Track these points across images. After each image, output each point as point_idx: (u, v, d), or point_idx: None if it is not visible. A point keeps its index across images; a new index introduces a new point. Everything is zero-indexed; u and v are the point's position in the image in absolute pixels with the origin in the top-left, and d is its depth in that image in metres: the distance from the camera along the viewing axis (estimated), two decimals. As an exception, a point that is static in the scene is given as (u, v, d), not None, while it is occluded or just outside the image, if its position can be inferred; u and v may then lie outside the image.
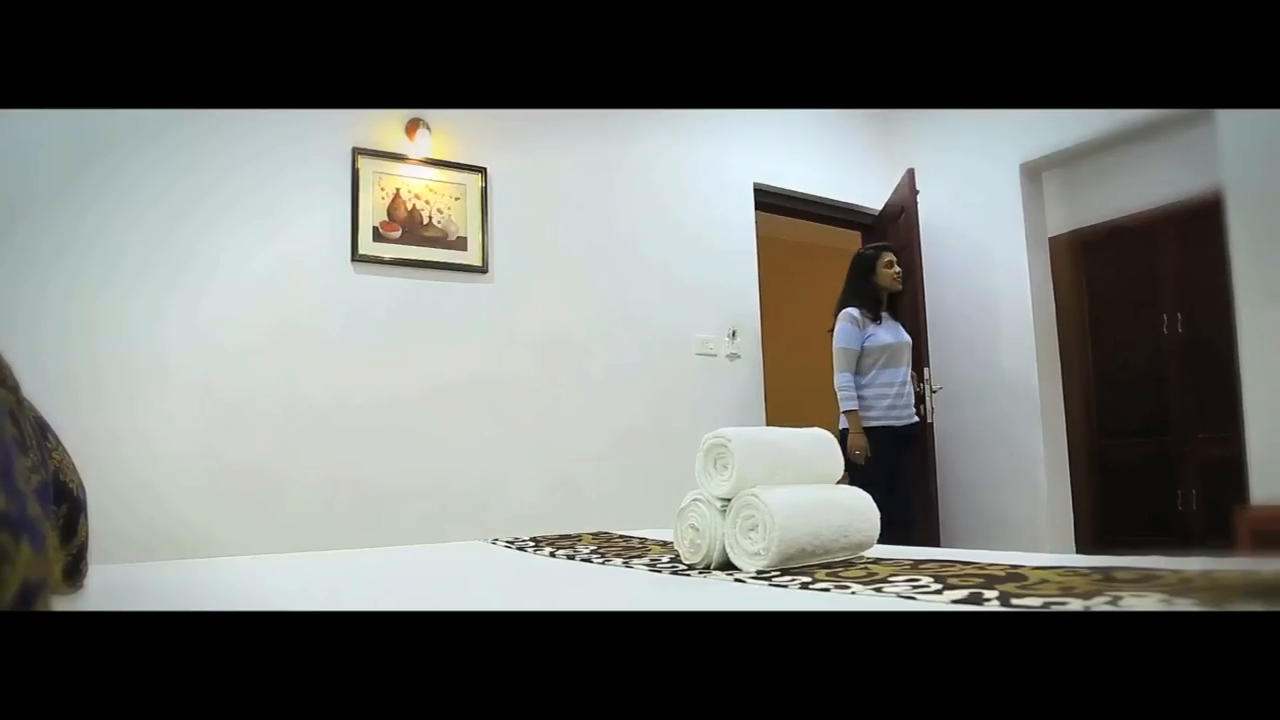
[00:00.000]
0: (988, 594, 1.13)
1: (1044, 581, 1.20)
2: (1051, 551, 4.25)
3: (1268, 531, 3.01)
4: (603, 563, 1.84)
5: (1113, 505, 5.45)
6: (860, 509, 1.65)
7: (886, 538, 3.15)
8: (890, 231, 4.66)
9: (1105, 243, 5.39)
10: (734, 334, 4.20)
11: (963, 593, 1.15)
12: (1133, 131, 4.14)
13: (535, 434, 3.62)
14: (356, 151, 3.37)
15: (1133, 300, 5.26)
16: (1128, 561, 1.35)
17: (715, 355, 4.15)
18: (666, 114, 4.13)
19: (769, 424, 6.02)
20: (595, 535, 2.51)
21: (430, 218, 3.52)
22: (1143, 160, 5.19)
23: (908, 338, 3.92)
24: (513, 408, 3.59)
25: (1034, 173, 4.50)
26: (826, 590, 1.27)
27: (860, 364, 3.81)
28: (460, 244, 3.57)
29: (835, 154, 4.85)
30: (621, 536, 2.43)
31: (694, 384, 4.06)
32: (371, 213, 3.39)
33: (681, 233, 4.11)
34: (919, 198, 4.44)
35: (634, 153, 4.03)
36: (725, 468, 1.63)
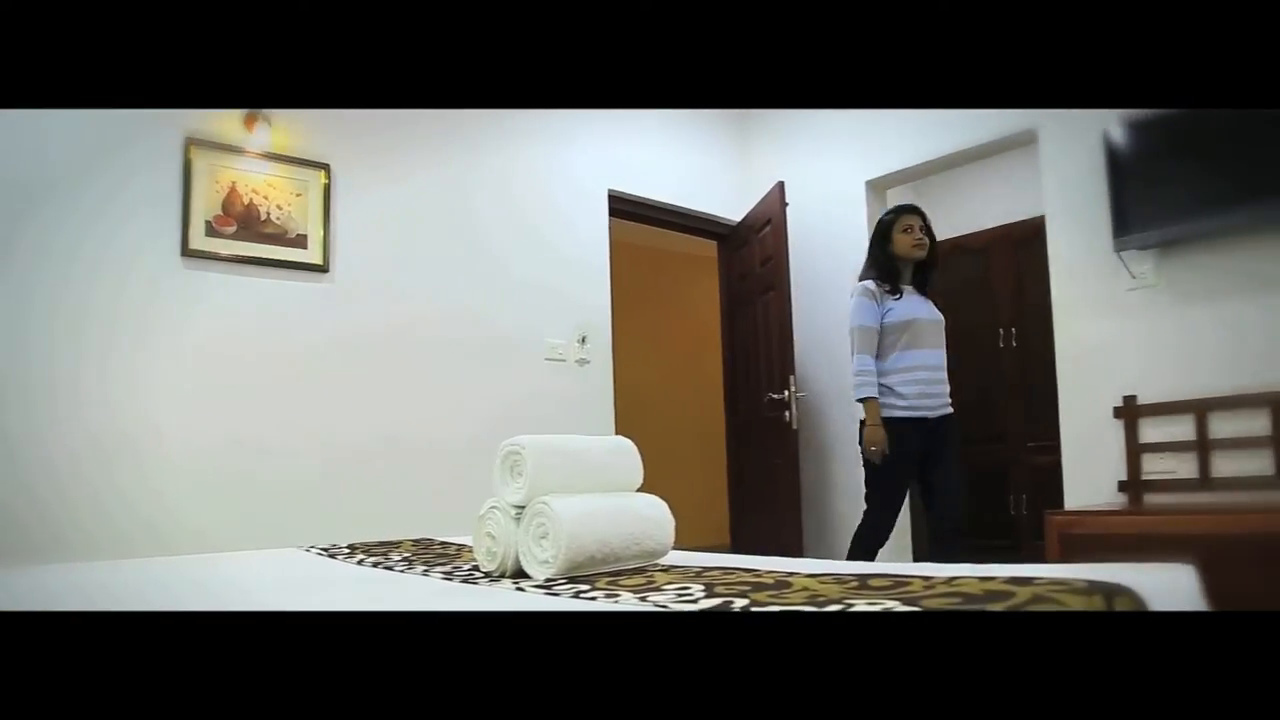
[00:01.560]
0: (740, 602, 1.16)
1: (802, 589, 1.24)
2: (894, 558, 4.42)
3: (1072, 535, 3.18)
4: (405, 570, 1.82)
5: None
6: (654, 517, 1.67)
7: (932, 552, 3.10)
8: (752, 242, 4.76)
9: (948, 260, 5.61)
10: (584, 339, 4.21)
11: (717, 600, 1.18)
12: (968, 154, 4.33)
13: (375, 438, 3.55)
14: (190, 142, 3.24)
15: (972, 315, 5.49)
16: (899, 569, 1.41)
17: (564, 360, 4.16)
18: (520, 115, 4.12)
19: (619, 430, 6.07)
20: (417, 542, 2.48)
21: (269, 214, 3.41)
22: (982, 182, 5.45)
23: (938, 314, 3.46)
24: (352, 410, 3.51)
25: (879, 190, 4.67)
26: (594, 598, 1.29)
27: (880, 345, 3.35)
28: (300, 242, 3.48)
29: (693, 165, 4.91)
30: (442, 543, 2.41)
31: (541, 389, 4.05)
32: (205, 207, 3.27)
33: (533, 237, 4.11)
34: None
35: (487, 154, 4.01)
36: (520, 475, 1.63)
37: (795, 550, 4.24)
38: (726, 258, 5.11)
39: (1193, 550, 2.99)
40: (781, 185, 4.42)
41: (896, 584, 1.20)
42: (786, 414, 4.27)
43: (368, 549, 2.29)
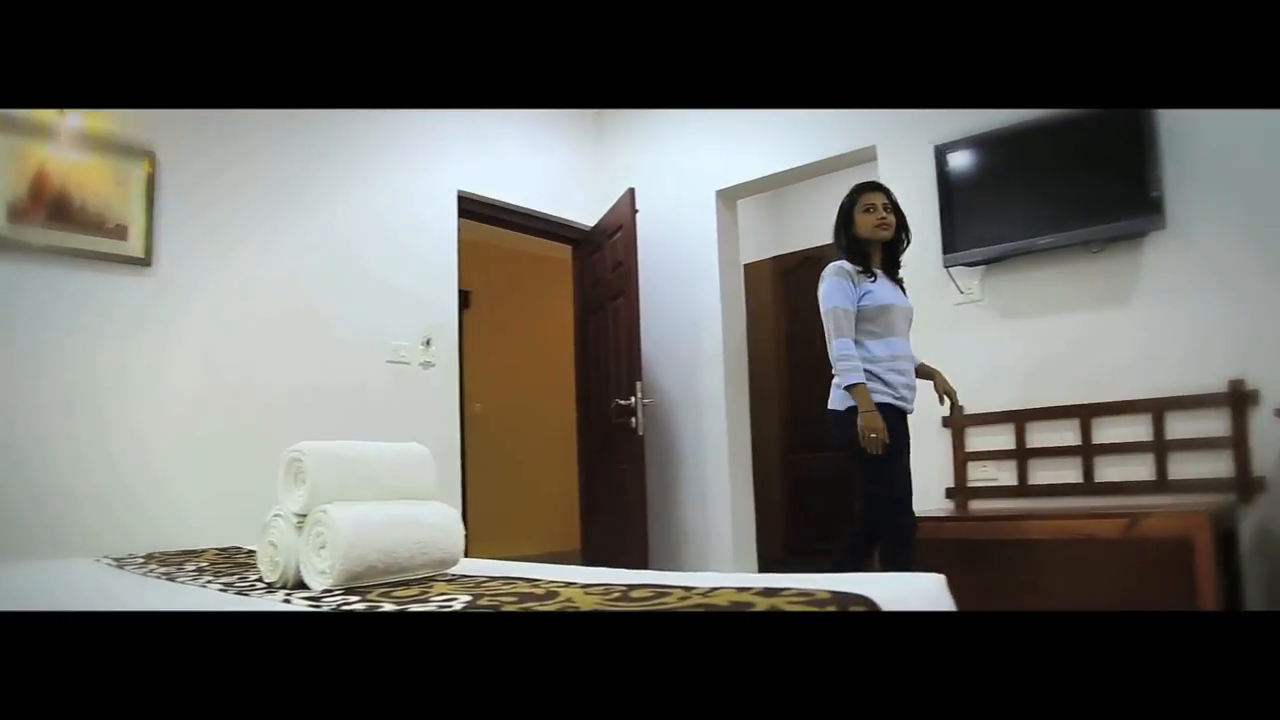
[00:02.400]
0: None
1: (566, 600, 1.22)
2: (732, 561, 4.49)
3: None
4: (188, 581, 1.73)
5: (804, 516, 5.82)
6: (442, 525, 1.64)
7: (891, 561, 2.91)
8: (604, 247, 4.76)
9: (799, 270, 5.76)
10: (428, 342, 4.13)
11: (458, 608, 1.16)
12: (814, 168, 4.44)
13: (201, 443, 3.38)
14: (-9, 121, 3.03)
15: (821, 326, 5.63)
16: (667, 579, 1.41)
17: (408, 363, 4.06)
18: (366, 111, 4.01)
19: (469, 435, 5.97)
20: (222, 550, 2.37)
21: (83, 201, 3.22)
22: (836, 195, 5.58)
23: (909, 301, 3.24)
24: (174, 413, 3.33)
25: (729, 200, 4.73)
26: (352, 610, 1.24)
27: (861, 330, 3.09)
28: (119, 232, 3.29)
29: (547, 169, 4.89)
30: (249, 552, 2.31)
31: (382, 392, 3.95)
32: (8, 191, 3.06)
33: (376, 235, 3.99)
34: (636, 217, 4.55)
35: (329, 146, 3.88)
36: (302, 482, 1.57)
37: (640, 556, 4.25)
38: (580, 263, 5.11)
39: (1006, 553, 3.13)
40: (632, 192, 4.43)
41: (657, 594, 1.19)
42: (633, 420, 4.28)
43: (165, 558, 2.18)
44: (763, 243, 6.03)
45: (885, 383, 3.03)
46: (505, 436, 6.72)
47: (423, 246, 4.19)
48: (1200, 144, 3.30)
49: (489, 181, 4.54)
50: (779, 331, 5.88)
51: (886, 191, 3.23)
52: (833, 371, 3.09)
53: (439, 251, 4.26)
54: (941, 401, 3.27)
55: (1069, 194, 3.49)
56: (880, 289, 3.10)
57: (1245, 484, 3.22)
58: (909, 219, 3.99)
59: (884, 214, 3.15)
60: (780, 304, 5.88)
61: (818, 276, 5.64)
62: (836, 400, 3.10)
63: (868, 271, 3.12)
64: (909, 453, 3.09)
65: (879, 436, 2.89)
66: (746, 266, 5.90)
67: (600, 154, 5.18)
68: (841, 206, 3.25)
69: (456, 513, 1.68)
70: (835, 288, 3.10)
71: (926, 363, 3.32)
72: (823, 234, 5.68)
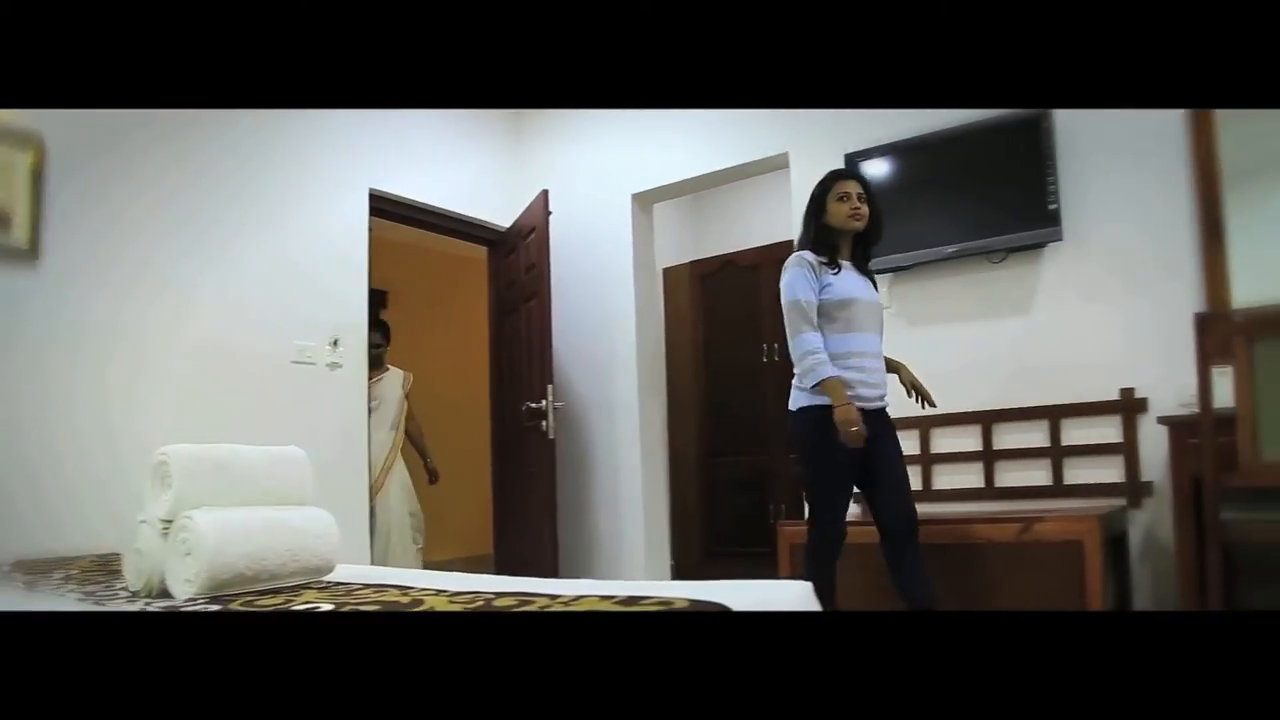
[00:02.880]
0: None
1: (428, 607, 1.20)
2: (645, 566, 4.48)
3: (799, 544, 3.31)
4: (51, 590, 1.66)
5: (719, 519, 5.84)
6: (316, 531, 1.59)
7: (890, 557, 2.88)
8: (519, 249, 4.72)
9: (718, 275, 5.79)
10: (336, 342, 4.04)
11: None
12: (729, 173, 4.46)
13: (92, 446, 3.24)
14: None
15: (739, 329, 5.68)
16: (535, 586, 1.39)
17: (314, 364, 3.97)
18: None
19: (375, 436, 5.85)
20: (101, 558, 2.29)
21: (-36, 191, 3.08)
22: (755, 200, 5.64)
23: (877, 295, 3.07)
24: (61, 415, 3.19)
25: (645, 203, 4.73)
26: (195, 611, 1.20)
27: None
28: (2, 222, 3.15)
29: (464, 169, 4.82)
30: (127, 557, 2.23)
31: (286, 393, 3.84)
32: (-120, 179, 2.91)
33: (282, 233, 3.88)
34: (551, 219, 4.51)
35: (236, 140, 3.76)
36: (168, 487, 1.51)
37: (551, 562, 4.22)
38: (496, 264, 5.06)
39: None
40: (545, 193, 4.40)
41: (521, 602, 1.17)
42: (544, 423, 4.25)
43: (31, 566, 2.09)
44: (683, 246, 6.05)
45: (850, 382, 2.83)
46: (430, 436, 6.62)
47: (331, 245, 4.09)
48: (1094, 159, 3.40)
49: (403, 180, 4.46)
50: (697, 336, 5.90)
51: (862, 180, 3.06)
52: (794, 370, 2.93)
53: (348, 250, 4.17)
54: (910, 395, 3.13)
55: (973, 204, 3.57)
56: (844, 282, 2.93)
57: (1135, 489, 3.32)
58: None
59: (858, 204, 2.97)
60: (699, 308, 5.90)
61: (736, 281, 5.77)
62: (793, 400, 2.94)
63: (832, 263, 2.94)
64: (890, 453, 2.94)
65: (859, 429, 2.70)
66: (665, 271, 5.92)
67: (517, 155, 5.14)
68: (813, 194, 3.06)
69: (331, 518, 1.64)
70: (796, 279, 2.91)
71: (891, 357, 3.16)
72: (741, 239, 5.77)
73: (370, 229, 4.29)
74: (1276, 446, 2.53)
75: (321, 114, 4.10)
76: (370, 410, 4.60)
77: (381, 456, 4.72)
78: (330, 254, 4.08)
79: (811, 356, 2.82)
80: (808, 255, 2.94)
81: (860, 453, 2.81)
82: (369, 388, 4.52)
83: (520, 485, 4.64)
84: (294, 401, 3.86)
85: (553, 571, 4.24)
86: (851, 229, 2.99)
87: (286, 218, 3.92)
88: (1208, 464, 2.60)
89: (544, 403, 4.27)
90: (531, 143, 5.11)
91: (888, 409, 3.00)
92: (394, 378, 4.99)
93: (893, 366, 3.15)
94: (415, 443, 5.09)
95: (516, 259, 4.72)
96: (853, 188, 2.99)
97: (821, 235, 3.00)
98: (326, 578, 1.64)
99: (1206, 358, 2.62)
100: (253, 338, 3.74)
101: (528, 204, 4.68)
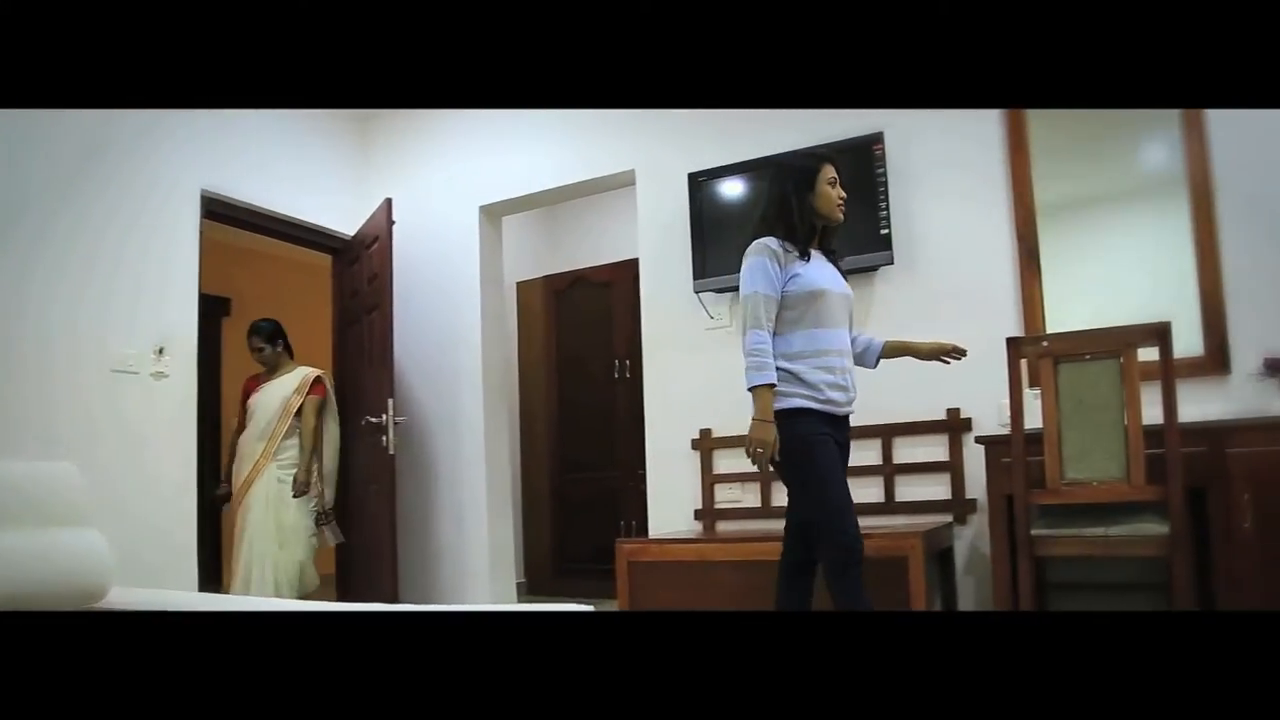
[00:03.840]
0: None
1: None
2: (490, 585, 4.40)
3: (639, 562, 3.30)
4: None
5: (571, 536, 5.79)
6: (84, 553, 1.48)
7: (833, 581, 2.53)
8: (363, 259, 4.58)
9: (571, 290, 5.77)
10: (161, 350, 3.81)
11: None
12: (578, 188, 4.45)
13: None
14: None
15: (592, 346, 5.67)
16: (328, 609, 1.32)
17: (137, 373, 3.73)
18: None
19: (207, 451, 5.60)
20: None
21: None
22: (609, 215, 5.64)
23: (848, 288, 2.75)
24: None
25: (493, 216, 4.67)
26: None
27: (780, 318, 2.58)
28: None
29: (308, 174, 4.65)
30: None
31: (105, 405, 3.60)
32: None
33: (102, 233, 3.62)
34: (395, 228, 4.39)
35: (52, 132, 3.51)
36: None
37: (389, 580, 4.09)
38: (339, 273, 4.90)
39: (741, 574, 3.19)
40: (389, 202, 4.29)
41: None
42: (384, 438, 4.13)
43: None
44: (538, 260, 6.00)
45: (805, 382, 2.54)
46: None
47: (158, 248, 3.86)
48: (923, 187, 3.54)
49: (240, 183, 4.25)
50: (550, 352, 5.86)
51: (839, 169, 2.74)
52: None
53: (177, 253, 3.94)
54: (943, 360, 2.88)
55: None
56: (813, 271, 2.61)
57: (960, 505, 3.44)
58: (663, 242, 4.08)
59: (843, 193, 2.70)
60: (552, 324, 5.86)
61: (589, 297, 5.76)
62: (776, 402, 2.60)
63: (803, 253, 2.63)
64: (845, 462, 2.69)
65: (765, 452, 2.48)
66: (519, 284, 5.87)
67: (364, 162, 4.98)
68: (797, 170, 2.69)
69: (101, 540, 1.52)
70: (757, 269, 2.58)
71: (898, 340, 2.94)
72: (594, 254, 5.76)
73: (203, 232, 4.07)
74: (1080, 466, 2.67)
75: (150, 110, 3.87)
76: (246, 423, 4.41)
77: (243, 470, 4.32)
78: (156, 257, 3.85)
79: (753, 357, 2.54)
80: (772, 243, 2.60)
81: (838, 461, 2.58)
82: (251, 398, 4.42)
83: (360, 501, 4.49)
84: (113, 413, 3.62)
85: (393, 590, 4.11)
86: (836, 220, 2.70)
87: (108, 218, 3.68)
88: (1018, 482, 2.71)
89: (384, 417, 4.14)
90: (379, 150, 4.97)
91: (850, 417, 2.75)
92: (281, 384, 4.42)
93: (900, 349, 2.93)
94: (302, 446, 4.36)
95: (360, 269, 4.58)
96: (836, 174, 2.70)
97: (805, 218, 2.65)
98: (97, 604, 1.52)
99: (1017, 380, 2.74)
100: (69, 344, 3.48)
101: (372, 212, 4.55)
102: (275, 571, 4.17)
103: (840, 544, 2.48)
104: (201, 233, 4.05)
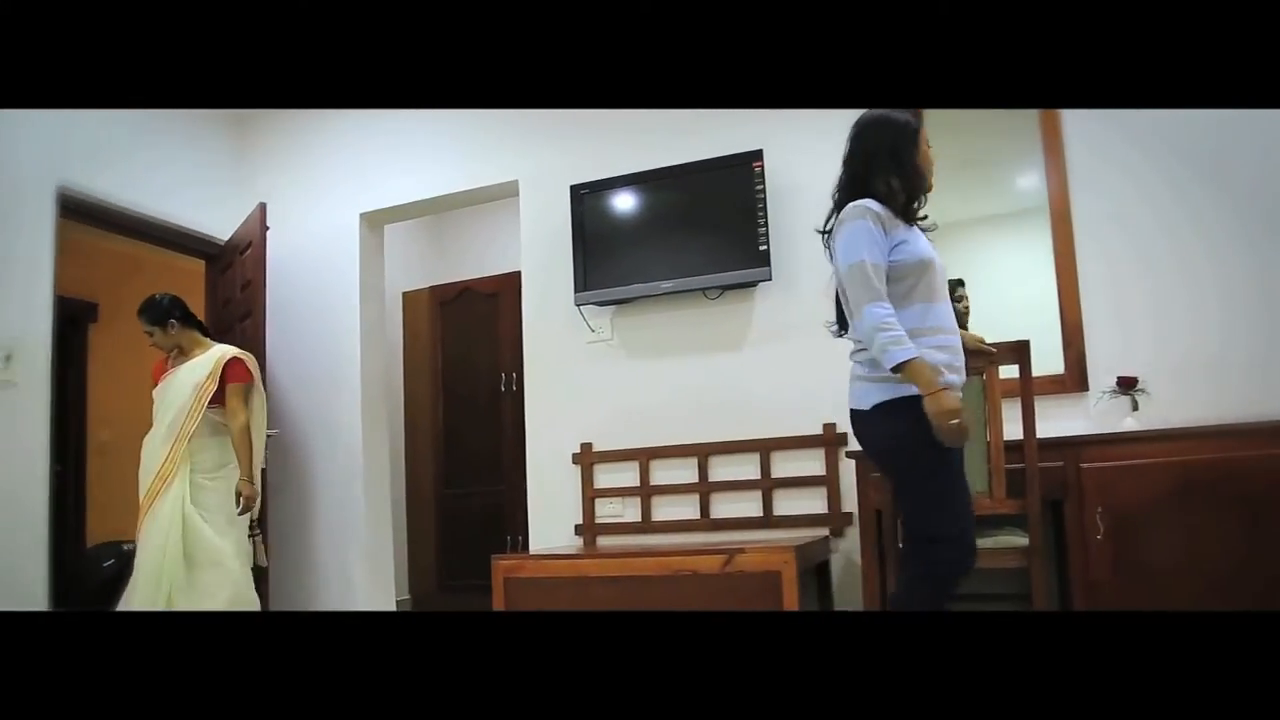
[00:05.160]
0: None
1: None
2: (369, 600, 4.27)
3: (513, 578, 3.24)
4: None
5: (457, 551, 5.68)
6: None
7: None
8: (236, 265, 4.42)
9: (458, 301, 5.68)
10: (8, 358, 3.59)
11: None
12: (461, 198, 4.37)
13: None
14: None
15: (479, 358, 5.58)
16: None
17: (-20, 381, 3.51)
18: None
19: (89, 465, 5.33)
20: None
21: None
22: (498, 225, 5.56)
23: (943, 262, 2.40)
24: None
25: (374, 224, 4.55)
26: None
27: (888, 292, 2.24)
28: None
29: (179, 175, 4.44)
30: None
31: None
32: None
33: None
34: (270, 234, 4.24)
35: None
36: None
37: (262, 596, 3.92)
38: (213, 280, 4.71)
39: (621, 589, 3.16)
40: (263, 207, 4.15)
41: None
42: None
43: None
44: (425, 270, 5.88)
45: (938, 361, 2.21)
46: (129, 471, 6.03)
47: (3, 248, 3.63)
48: (799, 203, 3.57)
49: (104, 182, 4.04)
50: (436, 363, 5.75)
51: None
52: (855, 351, 2.35)
53: (27, 253, 3.71)
54: (981, 355, 2.60)
55: (692, 241, 3.66)
56: (920, 240, 2.33)
57: (837, 519, 3.49)
58: (546, 254, 4.04)
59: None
60: (438, 335, 5.75)
61: (476, 308, 5.66)
62: (861, 396, 2.31)
63: (908, 218, 2.33)
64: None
65: (961, 420, 2.11)
66: (406, 295, 5.75)
67: (242, 164, 4.79)
68: (898, 125, 2.36)
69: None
70: (860, 234, 2.24)
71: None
72: (481, 265, 5.65)
73: (61, 232, 3.84)
74: (945, 480, 2.72)
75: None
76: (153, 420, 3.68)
77: (147, 478, 3.56)
78: (2, 257, 3.62)
79: (884, 334, 2.14)
80: (873, 204, 2.27)
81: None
82: (156, 388, 3.71)
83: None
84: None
85: (263, 605, 3.95)
86: (930, 187, 2.41)
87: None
88: (885, 497, 2.75)
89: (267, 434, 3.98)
90: (256, 152, 4.79)
91: None
92: (192, 369, 3.67)
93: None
94: (236, 450, 3.61)
95: (233, 275, 4.41)
96: None
97: (915, 180, 2.35)
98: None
99: (886, 396, 2.78)
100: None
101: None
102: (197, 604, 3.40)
103: (961, 549, 2.25)
104: (58, 232, 3.83)
